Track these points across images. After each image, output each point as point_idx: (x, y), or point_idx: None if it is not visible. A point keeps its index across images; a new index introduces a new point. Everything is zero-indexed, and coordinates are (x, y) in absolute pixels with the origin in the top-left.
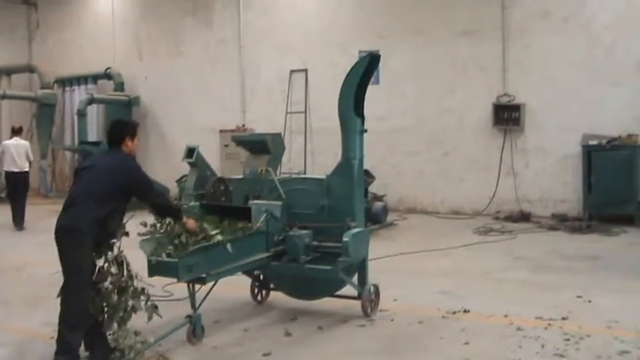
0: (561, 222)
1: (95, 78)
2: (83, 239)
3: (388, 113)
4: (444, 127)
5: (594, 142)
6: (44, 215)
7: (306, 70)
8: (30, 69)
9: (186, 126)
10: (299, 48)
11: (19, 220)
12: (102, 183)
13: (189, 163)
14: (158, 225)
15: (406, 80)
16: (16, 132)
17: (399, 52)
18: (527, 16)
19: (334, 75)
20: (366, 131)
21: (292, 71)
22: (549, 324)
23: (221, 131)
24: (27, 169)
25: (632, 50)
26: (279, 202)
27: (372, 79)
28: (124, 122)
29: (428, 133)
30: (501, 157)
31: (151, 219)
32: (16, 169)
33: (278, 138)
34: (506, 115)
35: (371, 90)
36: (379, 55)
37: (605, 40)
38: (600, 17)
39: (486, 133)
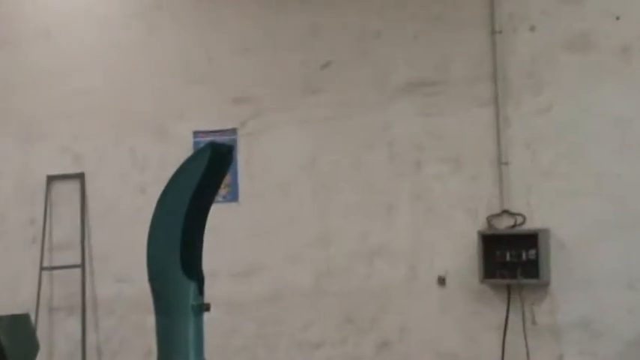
0: None
1: None
2: None
3: (259, 262)
4: (377, 286)
5: None
6: None
7: (81, 176)
8: None
9: None
10: (68, 133)
11: None
12: None
13: None
14: None
15: (293, 190)
16: None
17: (279, 131)
18: (545, 47)
19: (141, 185)
20: (207, 308)
21: (52, 178)
22: None
23: None
24: None
25: None
26: None
27: (221, 195)
28: None
29: (343, 300)
30: (503, 350)
31: None
32: None
33: (21, 326)
34: (510, 257)
35: (219, 217)
36: (231, 148)
37: None
38: None
39: (468, 297)
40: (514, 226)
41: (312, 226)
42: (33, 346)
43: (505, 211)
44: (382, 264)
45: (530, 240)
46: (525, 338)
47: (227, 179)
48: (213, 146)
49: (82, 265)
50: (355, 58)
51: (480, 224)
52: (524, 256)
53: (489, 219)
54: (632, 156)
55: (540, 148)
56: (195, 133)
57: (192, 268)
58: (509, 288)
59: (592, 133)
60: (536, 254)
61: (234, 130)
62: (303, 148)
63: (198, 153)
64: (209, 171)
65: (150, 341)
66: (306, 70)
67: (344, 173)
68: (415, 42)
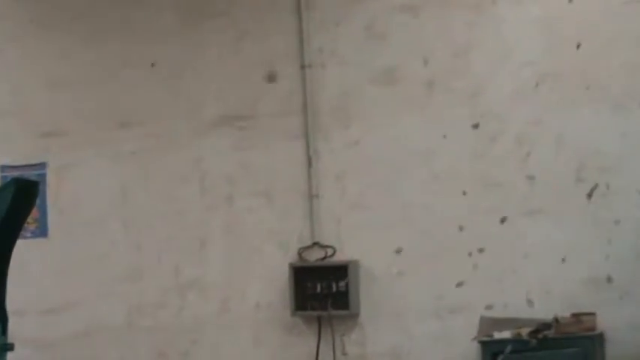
0: None
1: None
2: None
3: (69, 299)
4: (190, 320)
5: (504, 334)
6: None
7: None
8: None
9: None
10: None
11: None
12: None
13: None
14: None
15: (104, 225)
16: None
17: (89, 165)
18: (354, 81)
19: None
20: (11, 348)
21: None
22: None
23: None
24: None
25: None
26: None
27: (29, 231)
28: None
29: (156, 335)
30: None
31: None
32: None
33: None
34: (321, 288)
35: (28, 252)
36: (37, 183)
37: (508, 122)
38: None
39: (280, 329)
40: (325, 258)
41: (123, 260)
42: None
43: (316, 243)
44: (195, 298)
45: (341, 271)
46: None
47: (36, 214)
48: (18, 182)
49: None
50: (167, 92)
51: (292, 256)
52: (334, 288)
53: (300, 251)
54: (437, 187)
55: (350, 180)
56: (3, 168)
57: None
58: (319, 320)
59: (399, 165)
60: (346, 285)
61: (43, 165)
62: (114, 182)
63: (1, 189)
64: (13, 207)
65: None
66: (116, 104)
67: (156, 207)
68: (226, 75)
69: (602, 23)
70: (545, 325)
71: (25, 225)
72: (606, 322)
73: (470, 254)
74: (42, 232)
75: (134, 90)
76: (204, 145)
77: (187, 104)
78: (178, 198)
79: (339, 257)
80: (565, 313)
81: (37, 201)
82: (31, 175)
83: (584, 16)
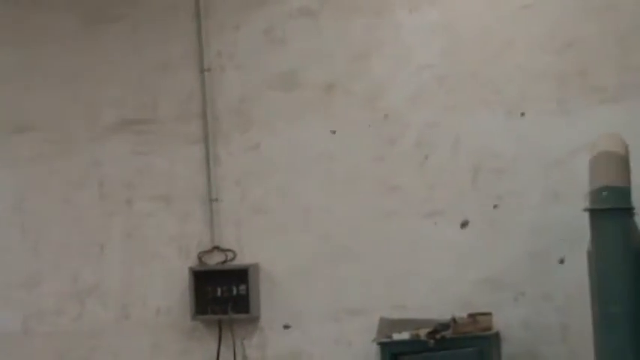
0: None
1: None
2: None
3: None
4: (89, 327)
5: (402, 336)
6: None
7: None
8: None
9: None
10: None
11: None
12: None
13: None
14: None
15: (1, 231)
16: None
17: None
18: (253, 85)
19: None
20: None
21: None
22: None
23: None
24: None
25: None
26: None
27: None
28: None
29: (53, 342)
30: None
31: None
32: None
33: None
34: (221, 293)
35: None
36: None
37: (407, 125)
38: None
39: (180, 335)
40: (225, 261)
41: (20, 266)
42: None
43: (216, 247)
44: (93, 304)
45: (241, 275)
46: None
47: None
48: None
49: None
50: (64, 96)
51: (192, 261)
52: (235, 292)
53: (200, 255)
54: (337, 191)
55: (250, 184)
56: None
57: None
58: (220, 324)
59: (299, 169)
60: (247, 289)
61: None
62: (10, 188)
63: None
64: None
65: None
66: (12, 109)
67: (53, 213)
68: (125, 79)
69: (499, 27)
70: (443, 326)
71: None
72: (502, 321)
73: (362, 256)
74: None
75: (31, 94)
76: (102, 149)
77: (85, 108)
78: (76, 203)
79: (240, 261)
80: (462, 313)
81: None
82: None
83: (482, 20)
